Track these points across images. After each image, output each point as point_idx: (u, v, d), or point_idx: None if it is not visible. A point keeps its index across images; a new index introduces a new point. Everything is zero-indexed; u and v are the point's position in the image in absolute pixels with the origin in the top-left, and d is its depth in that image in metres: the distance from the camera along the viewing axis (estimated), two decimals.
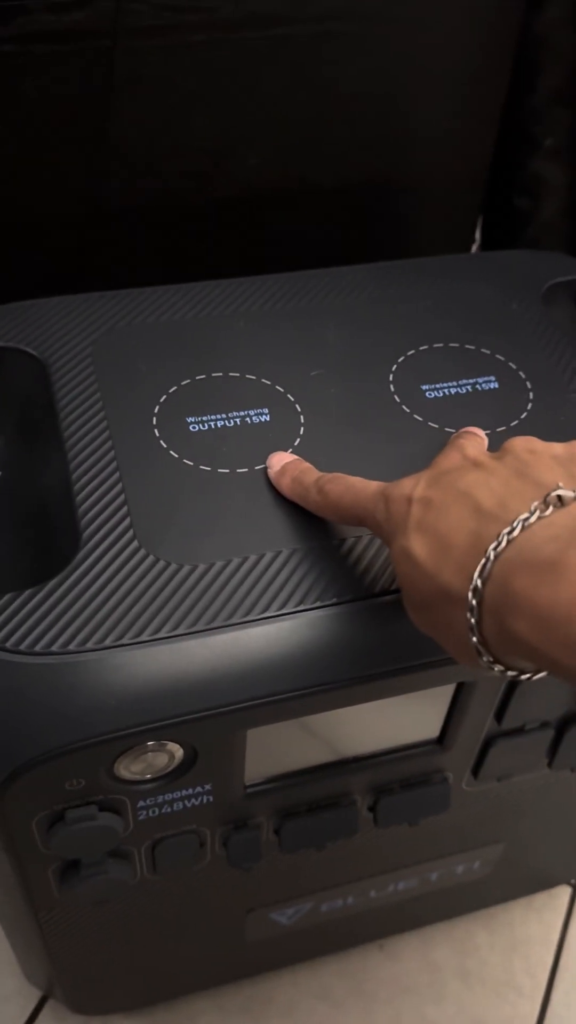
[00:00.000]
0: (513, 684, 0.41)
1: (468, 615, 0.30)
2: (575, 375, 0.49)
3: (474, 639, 0.31)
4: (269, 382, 0.47)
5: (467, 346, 0.50)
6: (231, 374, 0.47)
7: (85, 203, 0.56)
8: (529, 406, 0.47)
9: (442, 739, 0.44)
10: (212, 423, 0.45)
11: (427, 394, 0.47)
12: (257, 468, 0.43)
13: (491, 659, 0.31)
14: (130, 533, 0.39)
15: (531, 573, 0.28)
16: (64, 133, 0.53)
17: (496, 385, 0.48)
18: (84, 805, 0.38)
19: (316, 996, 0.65)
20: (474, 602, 0.30)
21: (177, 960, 0.57)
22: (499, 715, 0.43)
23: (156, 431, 0.44)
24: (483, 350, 0.50)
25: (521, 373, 0.49)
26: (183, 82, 0.53)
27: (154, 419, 0.44)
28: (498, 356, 0.50)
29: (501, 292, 0.54)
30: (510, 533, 0.30)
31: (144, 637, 0.36)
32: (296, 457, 0.43)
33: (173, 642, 0.36)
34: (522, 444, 0.35)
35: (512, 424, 0.46)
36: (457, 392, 0.48)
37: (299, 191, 0.62)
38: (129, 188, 0.57)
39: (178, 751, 0.38)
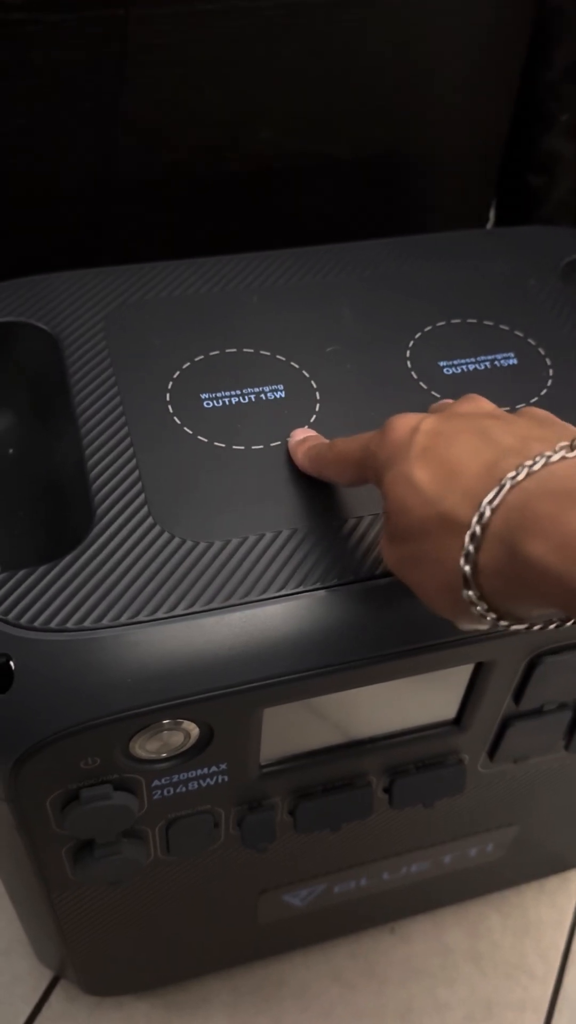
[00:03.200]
0: (532, 665, 0.41)
1: (467, 541, 0.30)
2: None
3: (466, 568, 0.30)
4: (284, 358, 0.46)
5: (485, 322, 0.49)
6: (245, 350, 0.46)
7: (97, 176, 0.55)
8: (549, 382, 0.46)
9: (459, 720, 0.44)
10: (226, 399, 0.44)
11: (445, 370, 0.46)
12: (273, 445, 0.42)
13: (476, 594, 0.30)
14: (144, 510, 0.39)
15: (556, 500, 0.28)
16: (75, 104, 0.52)
17: (515, 361, 0.47)
18: (99, 784, 0.38)
19: (328, 978, 0.65)
20: (478, 528, 0.30)
21: (190, 941, 0.57)
22: (517, 696, 0.43)
23: (170, 407, 0.43)
24: (501, 326, 0.49)
25: (540, 349, 0.48)
26: (196, 52, 0.52)
27: (168, 395, 0.44)
28: (516, 332, 0.49)
29: (518, 268, 0.53)
30: (531, 466, 0.29)
31: (160, 614, 0.35)
32: (318, 434, 0.42)
33: (189, 619, 0.36)
34: (540, 410, 0.35)
35: (532, 400, 0.45)
36: (475, 368, 0.47)
37: (313, 165, 0.61)
38: (142, 161, 0.56)
39: (194, 730, 0.37)
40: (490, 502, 0.29)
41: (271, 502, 0.40)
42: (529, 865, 0.66)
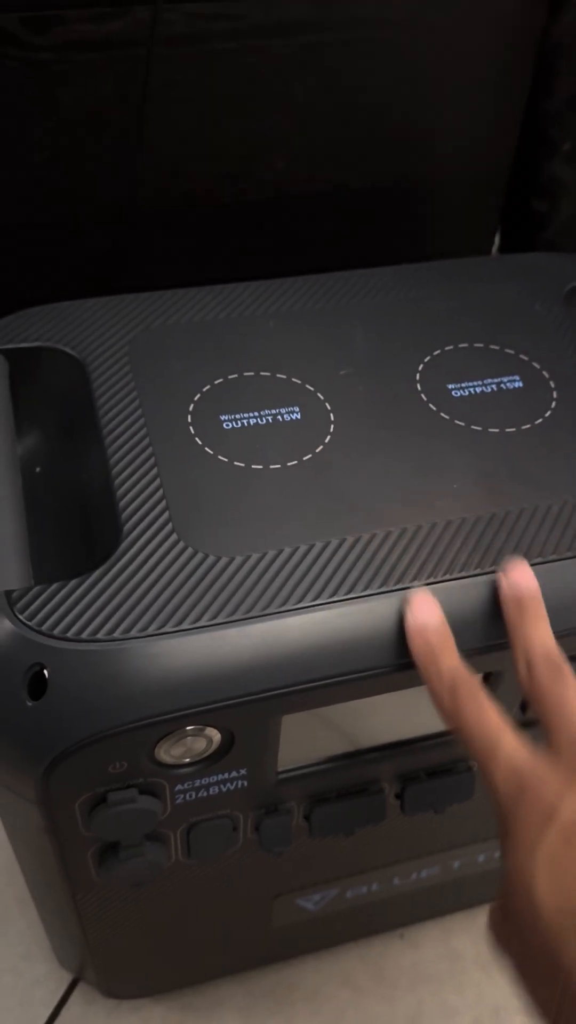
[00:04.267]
0: None
1: (560, 999, 0.26)
2: None
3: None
4: (299, 381, 0.48)
5: (491, 346, 0.51)
6: (262, 373, 0.49)
7: (119, 206, 0.58)
8: (553, 404, 0.48)
9: None
10: (245, 421, 0.46)
11: (453, 393, 0.49)
12: (289, 464, 0.44)
13: None
14: (169, 526, 0.41)
15: None
16: (99, 139, 0.55)
17: (520, 384, 0.49)
18: (125, 788, 0.40)
19: (339, 982, 0.66)
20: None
21: (206, 944, 0.59)
22: (524, 705, 0.44)
23: (191, 428, 0.45)
24: (507, 350, 0.51)
25: (544, 372, 0.50)
26: (215, 88, 0.54)
27: (189, 416, 0.46)
28: (522, 356, 0.51)
29: (524, 293, 0.55)
30: None
31: (185, 626, 0.37)
32: (440, 613, 0.37)
33: (213, 630, 0.38)
34: None
35: (536, 422, 0.47)
36: (483, 391, 0.49)
37: (324, 194, 0.64)
38: (161, 191, 0.59)
39: (216, 736, 0.39)
40: None
41: (289, 519, 0.42)
42: None
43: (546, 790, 0.30)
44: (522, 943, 0.29)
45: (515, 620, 0.36)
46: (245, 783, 0.43)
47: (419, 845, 0.54)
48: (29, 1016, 0.64)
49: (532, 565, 0.41)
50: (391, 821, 0.50)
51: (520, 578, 0.37)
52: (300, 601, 0.39)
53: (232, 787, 0.42)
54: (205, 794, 0.42)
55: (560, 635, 0.40)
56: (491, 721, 0.33)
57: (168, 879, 0.48)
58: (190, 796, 0.42)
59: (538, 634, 0.35)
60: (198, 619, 0.38)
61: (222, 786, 0.42)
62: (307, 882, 0.54)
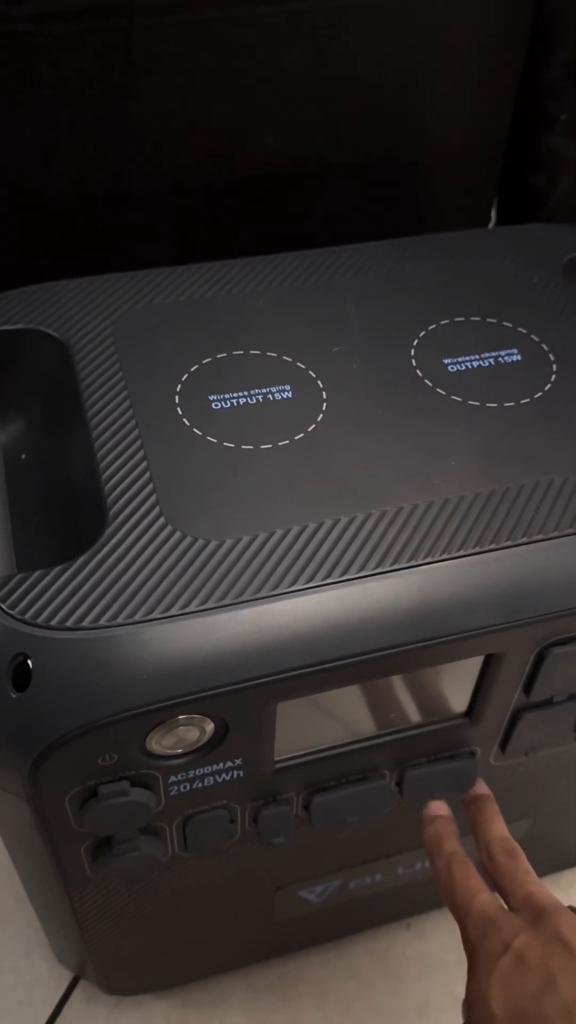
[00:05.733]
0: (540, 656, 0.41)
1: None
2: None
3: None
4: (290, 359, 0.47)
5: (488, 320, 0.50)
6: (252, 352, 0.47)
7: (103, 184, 0.56)
8: (553, 378, 0.47)
9: (470, 712, 0.44)
10: (234, 400, 0.45)
11: (449, 368, 0.47)
12: (281, 444, 0.43)
13: None
14: (156, 510, 0.39)
15: None
16: (81, 114, 0.53)
17: (519, 357, 0.48)
18: (117, 781, 0.38)
19: (345, 975, 0.65)
20: None
21: (208, 939, 0.58)
22: (527, 688, 0.43)
23: (179, 409, 0.44)
24: (504, 323, 0.50)
25: (544, 345, 0.49)
26: (200, 60, 0.53)
27: (177, 397, 0.44)
28: (520, 329, 0.49)
29: (521, 266, 0.53)
30: None
31: (174, 611, 0.36)
32: (448, 810, 0.47)
33: (203, 616, 0.36)
34: None
35: (536, 396, 0.46)
36: (480, 365, 0.47)
37: (316, 169, 0.62)
38: (147, 168, 0.57)
39: (209, 725, 0.38)
40: None
41: (281, 500, 0.40)
42: (543, 859, 0.66)
43: (505, 930, 0.39)
44: None
45: (475, 818, 0.45)
46: (241, 773, 0.41)
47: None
48: (30, 1015, 0.63)
49: (532, 542, 0.39)
50: (393, 810, 0.48)
51: (478, 787, 0.47)
52: (293, 584, 0.37)
53: (228, 778, 0.41)
54: (200, 785, 0.41)
55: (564, 614, 0.39)
56: (473, 884, 0.42)
57: (166, 873, 0.47)
58: (184, 788, 0.41)
59: (494, 827, 0.44)
60: (187, 604, 0.36)
61: (217, 777, 0.41)
62: (309, 874, 0.53)
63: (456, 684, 0.43)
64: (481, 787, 0.47)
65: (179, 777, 0.40)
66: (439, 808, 0.47)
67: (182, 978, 0.63)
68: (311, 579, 0.38)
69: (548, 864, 0.68)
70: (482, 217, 0.73)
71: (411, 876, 0.58)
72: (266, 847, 0.47)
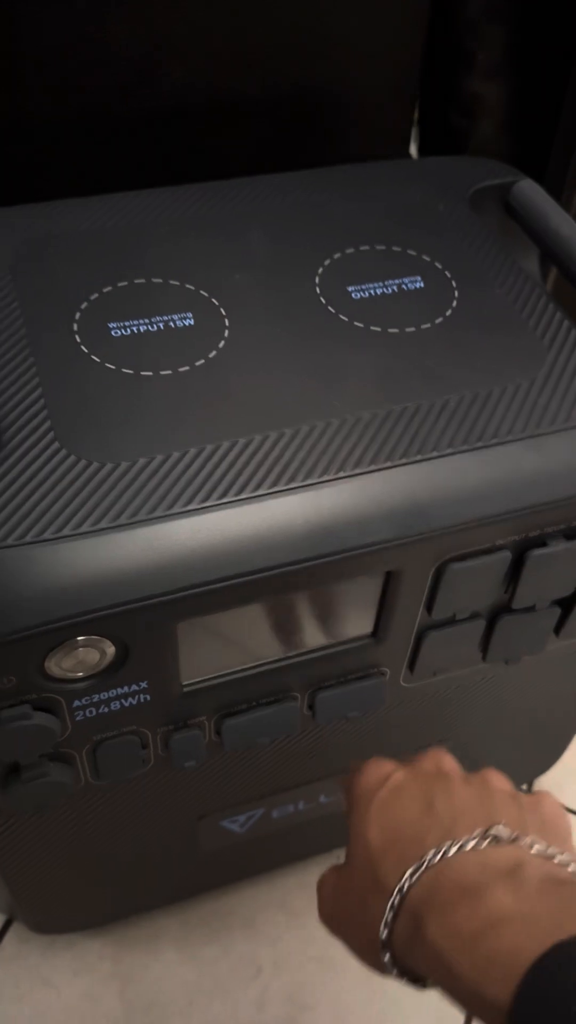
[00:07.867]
0: (439, 573, 0.42)
1: (387, 909, 0.34)
2: (500, 272, 0.49)
3: (384, 934, 0.34)
4: (193, 287, 0.47)
5: (393, 248, 0.50)
6: (154, 280, 0.47)
7: (6, 115, 0.55)
8: (454, 303, 0.47)
9: (376, 632, 0.45)
10: (135, 328, 0.44)
11: (353, 295, 0.47)
12: (181, 370, 0.42)
13: (390, 959, 0.34)
14: (51, 435, 0.39)
15: (453, 889, 0.32)
16: None
17: (422, 284, 0.48)
18: (18, 704, 0.38)
19: (276, 907, 0.67)
20: (397, 898, 0.33)
21: (135, 874, 0.58)
22: (429, 606, 0.44)
23: (77, 337, 0.43)
24: (409, 251, 0.50)
25: (447, 272, 0.49)
26: None
27: (75, 325, 0.44)
28: (424, 257, 0.50)
29: (428, 196, 0.53)
30: (447, 849, 0.33)
31: (66, 532, 0.36)
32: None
33: (96, 536, 0.36)
34: (496, 779, 0.39)
35: (437, 320, 0.46)
36: (383, 292, 0.47)
37: (227, 103, 0.61)
38: (49, 102, 0.56)
39: (109, 647, 0.38)
40: (411, 875, 0.33)
41: (178, 423, 0.40)
42: None
43: (384, 766, 0.40)
44: (349, 890, 0.37)
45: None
46: (148, 697, 0.42)
47: (341, 759, 0.54)
48: None
49: (427, 459, 0.40)
50: (308, 734, 0.49)
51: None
52: (188, 504, 0.37)
53: (135, 702, 0.41)
54: (106, 710, 0.41)
55: (457, 529, 0.40)
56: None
57: (82, 803, 0.47)
58: (90, 712, 0.41)
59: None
60: (80, 525, 0.36)
61: (124, 701, 0.41)
62: (229, 802, 0.54)
63: (360, 604, 0.44)
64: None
65: (84, 701, 0.40)
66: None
67: (114, 915, 0.64)
68: (207, 499, 0.38)
69: None
70: (399, 153, 0.73)
71: (335, 805, 0.59)
72: (182, 773, 0.47)
